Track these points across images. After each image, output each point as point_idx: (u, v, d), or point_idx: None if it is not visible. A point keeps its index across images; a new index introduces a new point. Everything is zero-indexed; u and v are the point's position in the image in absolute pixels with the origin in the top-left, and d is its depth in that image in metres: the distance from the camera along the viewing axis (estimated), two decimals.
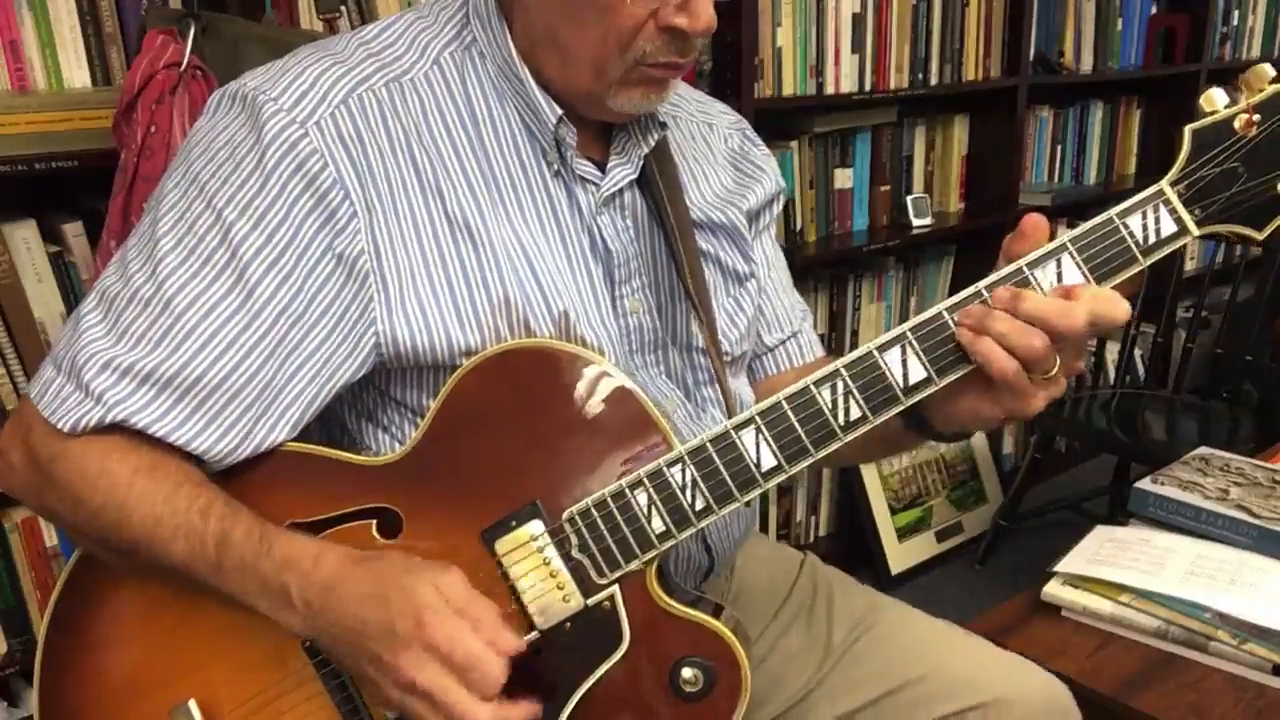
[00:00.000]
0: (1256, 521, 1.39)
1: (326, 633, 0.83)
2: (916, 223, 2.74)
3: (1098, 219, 0.87)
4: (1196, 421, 2.68)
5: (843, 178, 2.64)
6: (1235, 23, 3.50)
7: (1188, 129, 0.88)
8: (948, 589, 2.73)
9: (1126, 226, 0.87)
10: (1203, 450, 1.65)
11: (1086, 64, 3.13)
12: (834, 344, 2.76)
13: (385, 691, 0.82)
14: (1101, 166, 3.39)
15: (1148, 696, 1.19)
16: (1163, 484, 1.51)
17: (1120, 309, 0.84)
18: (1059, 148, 3.25)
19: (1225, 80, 3.31)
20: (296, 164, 0.86)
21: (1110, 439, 2.63)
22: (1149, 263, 0.87)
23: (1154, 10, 3.30)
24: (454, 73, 0.95)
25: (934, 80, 2.69)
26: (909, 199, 2.76)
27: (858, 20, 2.49)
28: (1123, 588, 1.30)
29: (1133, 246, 0.87)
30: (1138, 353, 3.22)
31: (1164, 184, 0.87)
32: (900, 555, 2.76)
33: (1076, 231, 0.87)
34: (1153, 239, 0.87)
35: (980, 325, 0.85)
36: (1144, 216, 0.87)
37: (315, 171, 0.87)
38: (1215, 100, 0.88)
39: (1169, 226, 0.87)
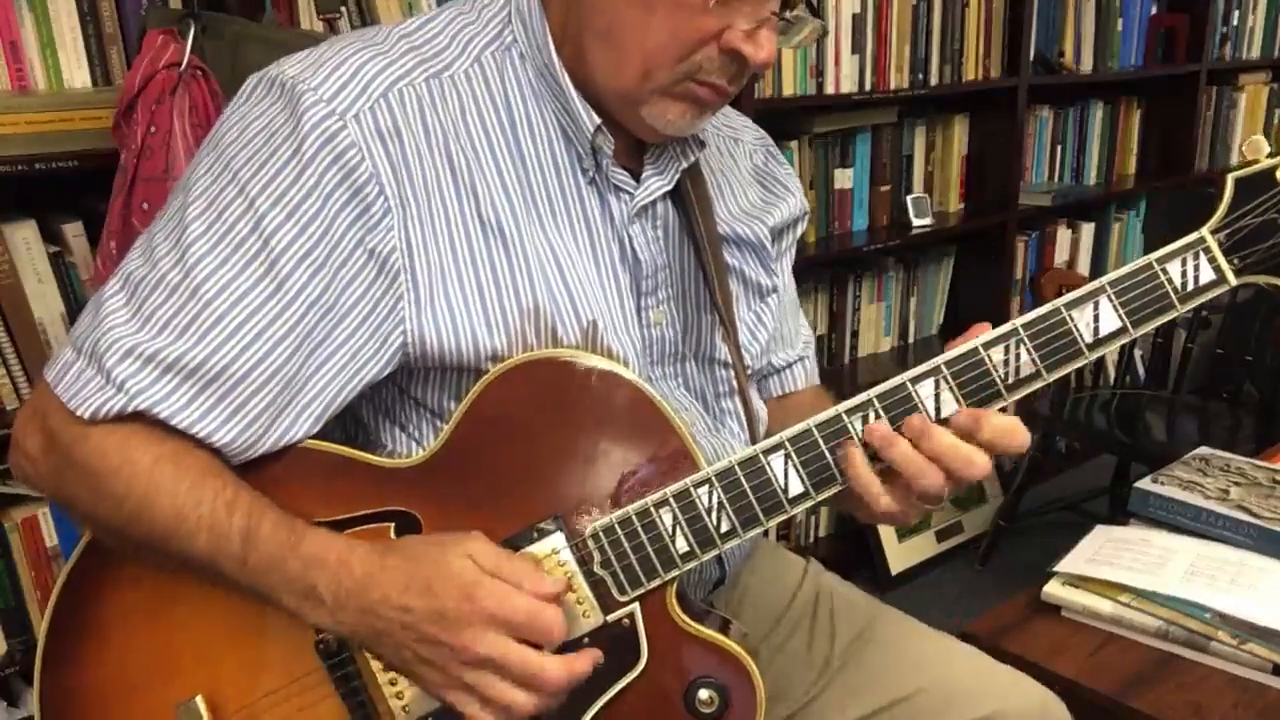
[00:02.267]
0: (1256, 521, 1.39)
1: (366, 628, 0.82)
2: (916, 223, 2.74)
3: (1137, 263, 0.86)
4: (1196, 421, 2.68)
5: (843, 178, 2.64)
6: (1235, 23, 3.50)
7: (1230, 176, 0.87)
8: (948, 589, 2.73)
9: (1166, 273, 0.86)
10: (1203, 450, 1.65)
11: (1086, 64, 3.13)
12: (834, 344, 2.76)
13: (450, 674, 0.81)
14: (1101, 166, 3.39)
15: (1148, 696, 1.18)
16: (1163, 484, 1.51)
17: (1019, 441, 0.85)
18: (1059, 148, 3.25)
19: (1225, 80, 3.30)
20: (334, 156, 0.85)
21: (1110, 439, 2.63)
22: (1186, 309, 0.87)
23: (1154, 10, 3.30)
24: (494, 72, 0.94)
25: (934, 80, 2.69)
26: (909, 199, 2.76)
27: (858, 20, 2.49)
28: (1123, 588, 1.30)
29: (1171, 293, 0.86)
30: (1138, 353, 3.22)
31: (1204, 232, 0.87)
32: (900, 555, 2.76)
33: (1116, 275, 0.86)
34: (1191, 286, 0.86)
35: (882, 452, 0.85)
36: (1183, 264, 0.86)
37: (352, 165, 0.85)
38: (1259, 149, 0.87)
39: (1208, 275, 0.86)
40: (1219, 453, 1.64)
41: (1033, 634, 1.29)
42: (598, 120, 0.93)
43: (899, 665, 1.11)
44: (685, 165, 0.99)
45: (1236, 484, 1.50)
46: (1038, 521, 2.88)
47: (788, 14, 0.89)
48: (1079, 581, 1.33)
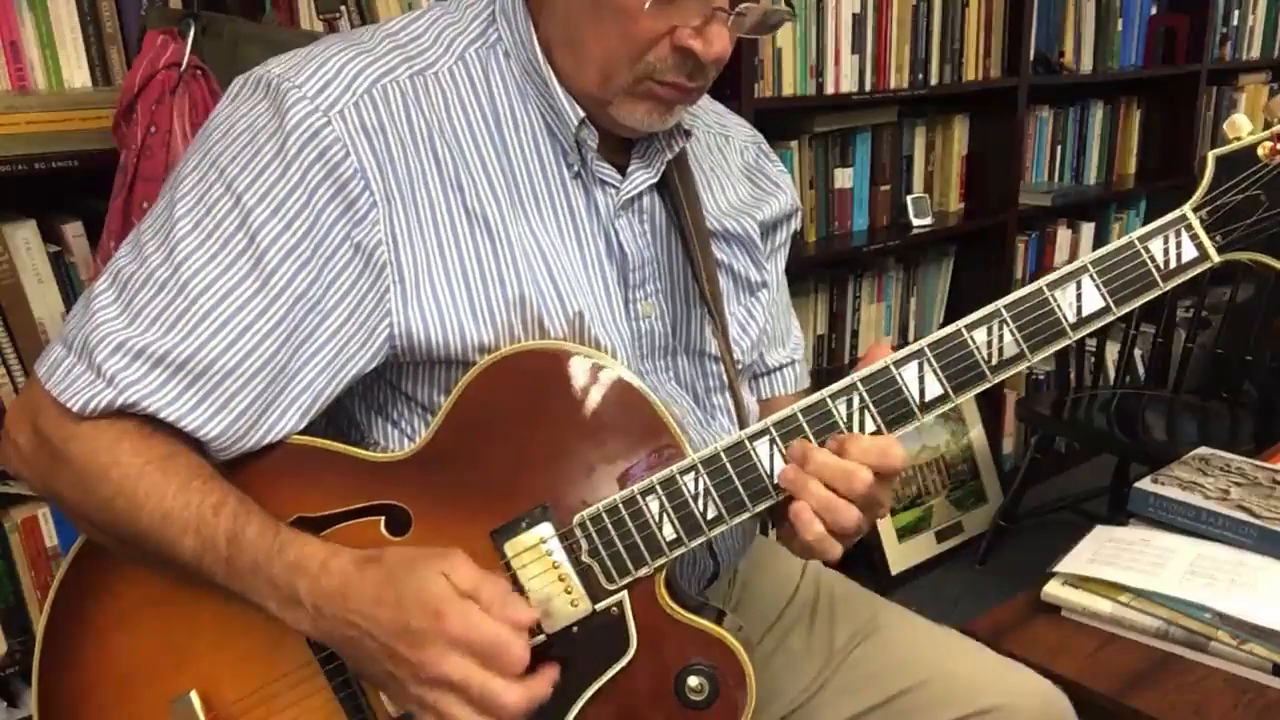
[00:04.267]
0: (1256, 521, 1.39)
1: (342, 636, 0.83)
2: (916, 223, 2.74)
3: (1119, 242, 0.87)
4: (1196, 421, 2.68)
5: (843, 178, 2.64)
6: (1235, 23, 3.50)
7: (1211, 154, 0.88)
8: (948, 589, 2.73)
9: (1148, 250, 0.87)
10: (1203, 450, 1.65)
11: (1086, 64, 3.13)
12: (834, 344, 2.76)
13: (409, 690, 0.81)
14: (1101, 166, 3.39)
15: (1148, 696, 1.18)
16: (1163, 484, 1.51)
17: (890, 462, 0.85)
18: (1059, 148, 3.24)
19: (1225, 80, 3.30)
20: (318, 152, 0.86)
21: (1110, 439, 2.63)
22: (1169, 287, 0.87)
23: (1154, 10, 3.30)
24: (478, 69, 0.95)
25: (934, 80, 2.69)
26: (909, 199, 2.76)
27: (858, 20, 2.49)
28: (1123, 588, 1.30)
29: (1153, 271, 0.87)
30: (1138, 353, 3.22)
31: (1186, 209, 0.87)
32: (900, 555, 2.76)
33: (1098, 254, 0.87)
34: (1173, 264, 0.87)
35: (780, 479, 0.86)
36: (1165, 241, 0.87)
37: (337, 160, 0.86)
38: (1239, 127, 0.88)
39: (1190, 252, 0.87)
40: (1219, 453, 1.64)
41: (1033, 634, 1.29)
42: (582, 114, 0.94)
43: (900, 659, 1.11)
44: (671, 156, 1.00)
45: (1236, 484, 1.50)
46: (1038, 521, 2.88)
47: (740, 6, 0.89)
48: (1079, 582, 1.33)
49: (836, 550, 0.88)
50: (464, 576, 0.81)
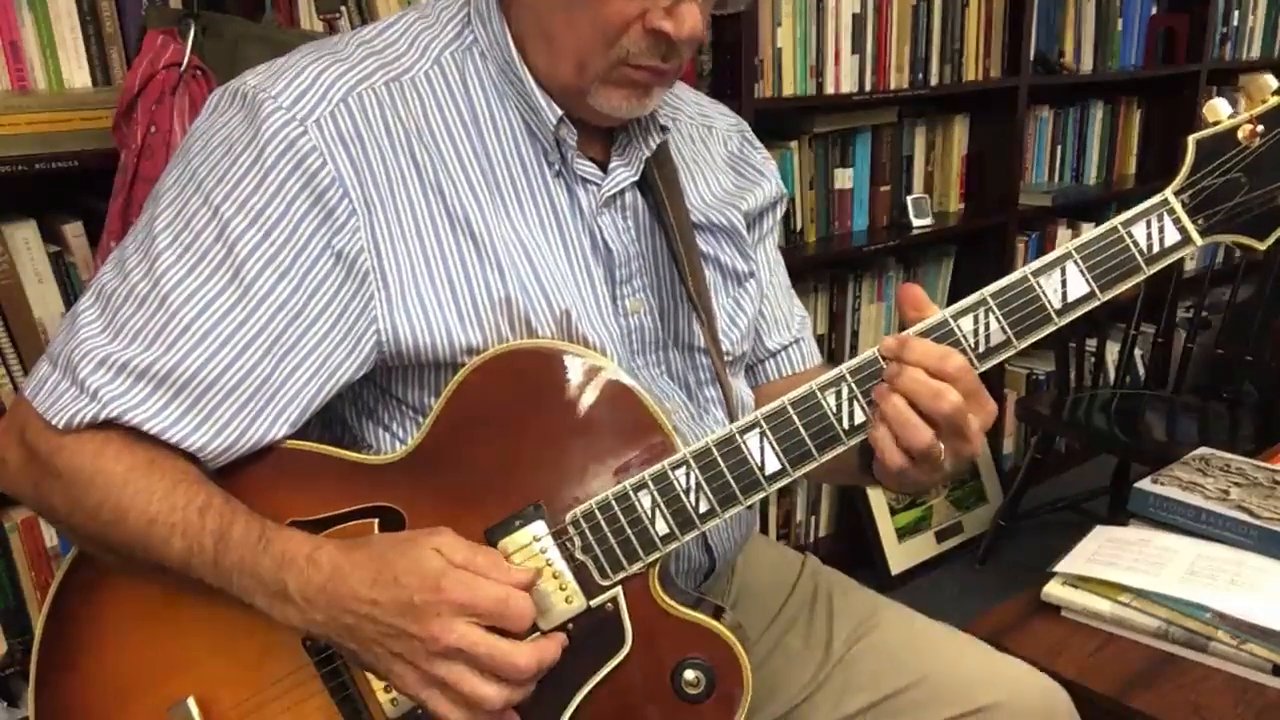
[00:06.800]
0: (1256, 521, 1.39)
1: (337, 626, 0.82)
2: (916, 223, 2.74)
3: (1103, 227, 0.88)
4: (1196, 421, 2.68)
5: (843, 178, 2.64)
6: (1235, 23, 3.50)
7: (1191, 139, 0.89)
8: (948, 589, 2.73)
9: (1131, 235, 0.88)
10: (1203, 450, 1.65)
11: (1086, 64, 3.13)
12: (834, 344, 2.76)
13: (420, 667, 0.80)
14: (1101, 166, 3.39)
15: (1148, 696, 1.18)
16: (1163, 484, 1.51)
17: (953, 363, 0.84)
18: (1059, 148, 3.25)
19: (1225, 80, 3.28)
20: (295, 162, 0.86)
21: (1110, 439, 2.63)
22: (1153, 271, 0.88)
23: (1154, 10, 3.30)
24: (455, 72, 0.95)
25: (934, 80, 2.69)
26: (909, 199, 2.76)
27: (858, 20, 2.49)
28: (1123, 588, 1.30)
29: (1137, 255, 0.87)
30: (1138, 353, 3.22)
31: (1168, 193, 0.88)
32: (900, 555, 2.76)
33: (1082, 240, 0.88)
34: (1157, 248, 0.88)
35: (881, 402, 0.86)
36: (1148, 225, 0.88)
37: (314, 169, 0.87)
38: (1219, 110, 0.89)
39: (1173, 235, 0.88)
40: (1219, 453, 1.64)
41: (1033, 634, 1.29)
42: (560, 113, 0.94)
43: (900, 656, 1.12)
44: (649, 153, 1.00)
45: (1236, 484, 1.50)
46: (1038, 521, 2.88)
47: None
48: (1079, 581, 1.33)
49: (923, 477, 0.87)
50: (455, 548, 0.82)
